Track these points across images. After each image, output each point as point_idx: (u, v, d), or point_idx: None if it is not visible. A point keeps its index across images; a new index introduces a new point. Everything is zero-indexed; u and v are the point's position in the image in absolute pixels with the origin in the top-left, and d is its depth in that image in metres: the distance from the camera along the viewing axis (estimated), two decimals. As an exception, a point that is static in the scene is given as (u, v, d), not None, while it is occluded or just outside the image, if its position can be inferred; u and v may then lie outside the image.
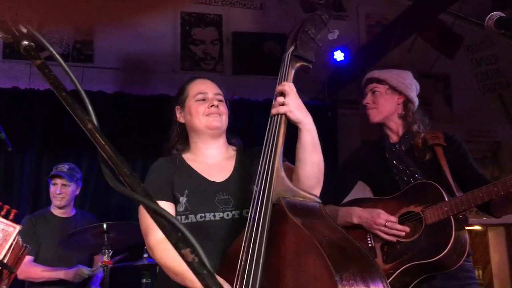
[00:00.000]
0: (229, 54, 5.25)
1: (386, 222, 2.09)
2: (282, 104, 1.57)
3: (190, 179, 1.76)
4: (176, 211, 1.72)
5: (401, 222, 2.13)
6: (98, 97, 4.58)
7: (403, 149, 2.28)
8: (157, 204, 0.66)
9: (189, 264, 0.61)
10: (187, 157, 1.85)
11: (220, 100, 1.84)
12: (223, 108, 1.83)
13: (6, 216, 1.50)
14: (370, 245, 2.15)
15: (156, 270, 3.49)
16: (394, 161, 2.27)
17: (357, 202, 2.32)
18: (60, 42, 4.83)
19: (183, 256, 0.62)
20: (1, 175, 4.30)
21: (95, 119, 0.73)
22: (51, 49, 0.79)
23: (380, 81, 2.32)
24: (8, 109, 4.33)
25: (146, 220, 1.66)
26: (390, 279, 2.01)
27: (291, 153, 1.69)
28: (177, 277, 1.57)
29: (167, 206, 1.71)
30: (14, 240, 1.48)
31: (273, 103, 1.62)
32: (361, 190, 2.55)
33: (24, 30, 0.90)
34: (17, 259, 1.54)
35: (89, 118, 0.72)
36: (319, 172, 1.63)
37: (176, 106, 1.89)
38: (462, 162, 2.21)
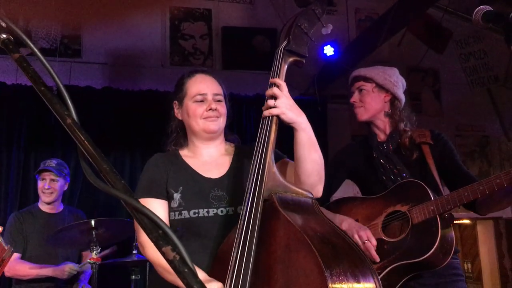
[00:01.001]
0: (219, 49, 5.23)
1: (365, 241, 2.07)
2: (274, 107, 1.56)
3: (185, 176, 1.75)
4: (170, 207, 1.70)
5: (387, 221, 2.12)
6: (86, 92, 4.54)
7: (391, 148, 2.27)
8: (137, 201, 0.64)
9: (170, 262, 0.60)
10: (184, 153, 1.83)
11: (219, 100, 1.79)
12: (222, 109, 1.78)
13: None
14: None
15: (145, 267, 3.48)
16: (382, 160, 2.27)
17: (343, 201, 2.32)
18: (48, 37, 4.77)
19: (163, 254, 0.60)
20: (-12, 172, 4.26)
21: (75, 114, 0.72)
22: (29, 42, 0.77)
23: (366, 79, 2.30)
24: (-5, 105, 4.28)
25: None
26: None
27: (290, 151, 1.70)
28: (168, 275, 1.56)
29: (158, 203, 1.69)
30: None
31: (265, 104, 1.61)
32: (351, 186, 2.55)
33: (3, 24, 0.88)
34: (1, 260, 1.52)
35: (68, 113, 0.70)
36: (319, 168, 1.63)
37: (174, 101, 1.85)
38: (448, 160, 2.21)
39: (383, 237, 2.10)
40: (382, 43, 4.57)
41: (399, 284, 2.04)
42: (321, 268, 1.23)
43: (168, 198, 1.71)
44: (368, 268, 1.34)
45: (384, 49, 5.01)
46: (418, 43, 5.10)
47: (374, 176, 2.27)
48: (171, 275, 1.55)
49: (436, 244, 1.95)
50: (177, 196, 1.70)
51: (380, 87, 2.29)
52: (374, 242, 2.07)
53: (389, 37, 4.59)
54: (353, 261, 1.34)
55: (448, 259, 2.00)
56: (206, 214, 1.68)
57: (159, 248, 0.61)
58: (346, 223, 2.16)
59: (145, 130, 4.34)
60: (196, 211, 1.68)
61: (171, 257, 0.60)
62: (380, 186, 2.22)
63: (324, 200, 2.30)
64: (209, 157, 1.81)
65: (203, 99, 1.77)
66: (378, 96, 2.29)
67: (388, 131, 2.30)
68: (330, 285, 1.22)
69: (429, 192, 2.05)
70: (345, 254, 1.35)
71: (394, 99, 2.30)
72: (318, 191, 1.65)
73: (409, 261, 1.98)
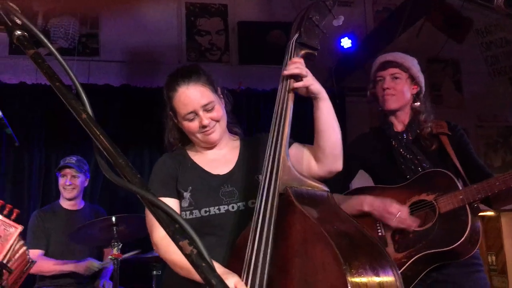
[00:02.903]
0: (235, 44, 5.21)
1: (398, 213, 2.05)
2: (305, 75, 1.56)
3: (194, 174, 1.74)
4: (181, 207, 1.70)
5: (412, 210, 2.10)
6: (104, 90, 4.58)
7: (410, 138, 2.25)
8: (154, 195, 0.64)
9: (187, 256, 0.59)
10: (191, 151, 1.82)
11: (211, 109, 1.69)
12: (217, 114, 1.71)
13: (8, 216, 1.49)
14: (380, 233, 2.13)
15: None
16: (401, 150, 2.23)
17: (362, 191, 2.28)
18: (66, 36, 4.82)
19: (181, 248, 0.60)
20: (11, 171, 4.33)
21: (90, 110, 0.71)
22: (43, 38, 0.77)
23: (403, 67, 2.26)
24: (15, 105, 4.34)
25: (152, 217, 1.65)
26: (403, 268, 2.00)
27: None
28: (182, 271, 1.56)
29: (171, 202, 1.69)
30: (14, 240, 1.48)
31: (280, 86, 1.60)
32: (362, 178, 2.52)
33: (19, 22, 0.88)
34: (21, 271, 1.53)
35: (83, 108, 0.70)
36: (340, 141, 1.65)
37: (170, 112, 1.79)
38: (465, 151, 2.20)
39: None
40: (401, 34, 4.50)
41: (423, 274, 2.02)
42: (339, 261, 1.22)
43: (179, 198, 1.71)
44: (387, 261, 1.32)
45: (402, 40, 4.92)
46: (437, 33, 5.00)
47: (393, 166, 2.24)
48: (183, 270, 1.55)
49: (467, 233, 1.93)
50: (187, 195, 1.69)
51: (412, 78, 2.27)
52: (406, 209, 2.06)
53: (407, 28, 4.52)
54: (372, 254, 1.32)
55: (475, 249, 1.99)
56: (217, 212, 1.67)
57: (176, 242, 0.61)
58: (366, 204, 2.14)
59: (163, 127, 4.36)
60: (207, 209, 1.67)
61: (188, 251, 0.59)
62: (399, 176, 2.20)
63: (338, 192, 2.28)
64: (216, 154, 1.80)
65: (194, 116, 1.69)
66: (409, 87, 2.27)
67: (406, 121, 2.28)
68: (349, 278, 1.20)
69: (456, 181, 2.03)
70: (363, 247, 1.34)
71: (419, 92, 2.28)
72: (340, 163, 1.67)
73: (437, 250, 1.97)
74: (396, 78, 2.26)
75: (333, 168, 1.65)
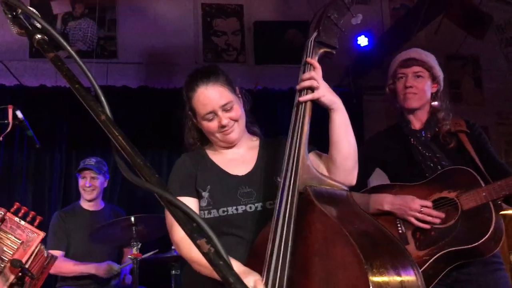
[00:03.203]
0: (251, 44, 5.22)
1: (421, 208, 2.03)
2: (316, 87, 1.55)
3: (213, 174, 1.75)
4: (200, 206, 1.72)
5: (434, 208, 2.08)
6: (123, 92, 4.63)
7: (428, 136, 2.23)
8: (172, 195, 0.64)
9: (205, 254, 0.60)
10: (210, 151, 1.83)
11: (229, 109, 1.71)
12: (236, 113, 1.72)
13: (31, 223, 1.52)
14: (400, 231, 2.11)
15: (185, 262, 3.52)
16: (420, 148, 2.21)
17: (380, 189, 2.26)
18: (84, 39, 4.89)
19: (198, 247, 0.60)
20: (32, 172, 4.41)
21: (109, 111, 0.72)
22: (63, 41, 0.78)
23: (426, 66, 2.24)
24: (36, 107, 4.41)
25: (171, 217, 1.66)
26: (425, 266, 1.97)
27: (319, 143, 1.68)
28: (205, 269, 1.57)
29: (190, 201, 1.71)
30: (36, 247, 1.51)
31: (298, 90, 1.59)
32: (378, 176, 2.50)
33: (39, 25, 0.90)
34: (41, 269, 1.56)
35: (102, 110, 0.71)
36: (355, 153, 1.63)
37: (188, 112, 1.81)
38: (483, 149, 2.18)
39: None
40: (418, 31, 4.45)
41: (443, 274, 1.99)
42: (360, 260, 1.21)
43: (198, 197, 1.72)
44: (408, 259, 1.31)
45: (420, 38, 4.87)
46: (456, 30, 4.93)
47: (411, 164, 2.22)
48: (204, 268, 1.56)
49: (491, 230, 1.91)
50: (205, 194, 1.71)
51: (433, 77, 2.25)
52: (429, 203, 2.04)
53: (425, 25, 4.47)
54: (393, 252, 1.31)
55: (498, 247, 1.96)
56: (235, 212, 1.68)
57: (193, 241, 0.61)
58: (387, 203, 2.11)
59: (181, 127, 4.39)
60: (225, 209, 1.68)
61: (206, 249, 0.60)
62: (417, 174, 2.18)
63: (355, 190, 2.27)
64: (235, 154, 1.80)
65: (213, 116, 1.71)
66: (430, 86, 2.25)
67: (424, 119, 2.26)
68: (370, 277, 1.19)
69: (478, 178, 2.00)
70: (384, 245, 1.33)
71: (438, 90, 2.27)
72: (354, 176, 1.65)
73: (461, 248, 1.94)
74: (419, 76, 2.22)
75: (345, 181, 1.60)
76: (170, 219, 1.68)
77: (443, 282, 2.02)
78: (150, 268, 3.61)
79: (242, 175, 1.75)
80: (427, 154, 2.20)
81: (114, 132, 0.69)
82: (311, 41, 1.66)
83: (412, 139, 2.24)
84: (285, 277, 1.34)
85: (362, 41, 4.72)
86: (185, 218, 0.62)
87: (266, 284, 1.36)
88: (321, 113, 1.67)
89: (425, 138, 2.23)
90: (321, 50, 1.65)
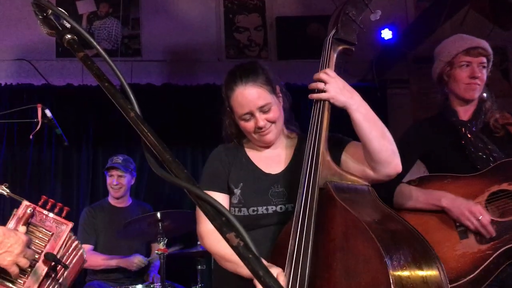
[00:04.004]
0: (274, 40, 5.21)
1: (480, 216, 1.94)
2: (323, 91, 1.55)
3: (246, 171, 1.75)
4: (231, 202, 1.73)
5: (492, 200, 2.01)
6: (147, 89, 4.69)
7: (478, 127, 2.15)
8: (200, 189, 0.66)
9: (234, 248, 0.61)
10: (247, 146, 1.82)
11: (267, 110, 1.68)
12: (274, 115, 1.70)
13: (59, 214, 1.57)
14: (458, 225, 2.01)
15: (210, 257, 3.55)
16: (472, 139, 2.12)
17: (429, 179, 2.16)
18: (109, 38, 4.96)
19: (228, 241, 0.61)
20: (60, 170, 4.50)
21: (138, 108, 0.74)
22: (91, 39, 0.80)
23: (489, 57, 2.17)
24: (63, 106, 4.51)
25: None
26: (488, 260, 1.91)
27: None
28: (229, 264, 1.59)
29: (220, 197, 1.71)
30: (66, 237, 1.55)
31: (312, 88, 1.60)
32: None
33: (68, 25, 0.92)
34: (76, 270, 1.61)
35: (131, 107, 0.73)
36: (388, 143, 1.57)
37: (227, 108, 1.78)
38: None
39: (492, 217, 1.96)
40: (443, 23, 4.37)
41: (502, 268, 1.93)
42: (380, 254, 1.22)
43: (229, 193, 1.73)
44: (431, 254, 1.30)
45: (446, 30, 4.78)
46: (483, 21, 4.83)
47: (460, 155, 2.13)
48: (229, 263, 1.58)
49: None
50: (237, 192, 1.71)
51: (488, 69, 2.19)
52: (488, 217, 1.94)
53: (450, 16, 4.39)
54: (414, 247, 1.31)
55: None
56: (265, 212, 1.68)
57: (223, 234, 0.62)
58: (446, 199, 2.02)
59: (204, 124, 4.43)
60: (255, 208, 1.68)
61: (235, 243, 0.61)
62: (467, 165, 2.09)
63: (395, 183, 2.18)
64: (271, 152, 1.80)
65: (250, 117, 1.70)
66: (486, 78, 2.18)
67: (471, 110, 2.19)
68: (390, 271, 1.19)
69: None
70: (405, 240, 1.33)
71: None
72: (397, 165, 1.59)
73: None
74: (484, 67, 2.15)
75: (388, 172, 1.58)
76: (199, 212, 1.70)
77: (496, 278, 1.95)
78: (177, 263, 3.66)
79: (276, 174, 1.75)
80: (479, 145, 2.12)
81: (143, 129, 0.70)
82: (330, 38, 1.66)
83: (463, 129, 2.15)
84: (307, 271, 1.35)
85: (386, 34, 4.66)
86: (214, 213, 0.64)
87: (288, 278, 1.38)
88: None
89: (475, 128, 2.15)
90: (340, 47, 1.65)
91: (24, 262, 1.40)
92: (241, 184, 1.72)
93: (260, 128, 1.68)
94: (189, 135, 4.63)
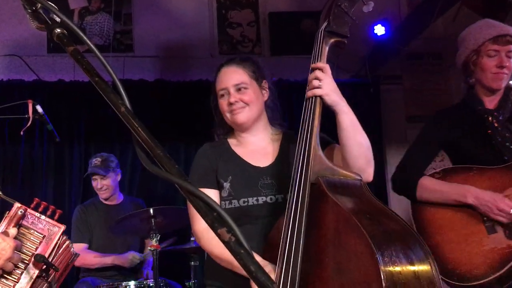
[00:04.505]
0: (267, 35, 5.20)
1: (511, 210, 1.90)
2: (318, 87, 1.55)
3: (234, 165, 1.77)
4: (220, 196, 1.74)
5: None
6: (139, 85, 4.66)
7: (505, 116, 2.10)
8: (192, 185, 0.65)
9: (226, 243, 0.60)
10: (232, 141, 1.86)
11: (242, 88, 1.76)
12: (247, 97, 1.76)
13: (51, 217, 1.56)
14: (485, 219, 1.98)
15: (203, 254, 3.55)
16: (499, 128, 2.06)
17: (454, 171, 2.10)
18: (101, 33, 4.93)
19: (219, 236, 0.61)
20: (52, 167, 4.47)
21: (128, 103, 0.73)
22: (82, 34, 0.79)
23: None
24: (55, 102, 4.47)
25: (192, 207, 1.69)
26: None
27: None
28: (223, 262, 1.61)
29: (211, 193, 1.73)
30: (58, 239, 1.54)
31: (308, 85, 1.60)
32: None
33: (58, 19, 0.91)
34: (66, 265, 1.60)
35: (122, 102, 0.72)
36: (366, 151, 1.61)
37: (214, 101, 1.87)
38: None
39: None
40: (436, 19, 4.38)
41: None
42: (372, 250, 1.22)
43: (219, 187, 1.75)
44: (423, 249, 1.30)
45: (438, 25, 4.80)
46: (476, 17, 4.85)
47: (486, 145, 2.08)
48: (225, 262, 1.59)
49: None
50: (226, 185, 1.73)
51: None
52: None
53: (443, 12, 4.40)
54: (407, 242, 1.31)
55: None
56: (255, 202, 1.70)
57: (214, 230, 0.62)
58: (472, 196, 1.97)
59: (197, 120, 4.41)
60: (246, 199, 1.70)
61: (227, 238, 0.60)
62: (494, 156, 2.04)
63: (417, 176, 2.14)
64: (257, 146, 1.82)
65: (224, 93, 1.78)
66: None
67: (497, 100, 2.14)
68: (382, 267, 1.19)
69: None
70: (397, 235, 1.33)
71: None
72: (369, 175, 1.62)
73: None
74: (510, 57, 2.09)
75: (363, 176, 1.58)
76: (192, 210, 1.70)
77: None
78: (170, 259, 3.65)
79: (264, 167, 1.77)
80: (506, 135, 2.06)
81: (134, 124, 0.69)
82: (321, 31, 1.65)
83: (490, 118, 2.09)
84: (299, 267, 1.35)
85: (379, 30, 4.66)
86: (206, 208, 0.63)
87: (280, 274, 1.38)
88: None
89: (502, 118, 2.09)
90: (332, 40, 1.64)
91: (10, 267, 1.40)
92: (230, 177, 1.73)
93: (231, 104, 1.73)
94: (182, 131, 4.61)
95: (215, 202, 0.65)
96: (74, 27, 0.80)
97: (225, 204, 1.72)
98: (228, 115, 1.78)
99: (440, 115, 2.30)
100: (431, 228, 2.06)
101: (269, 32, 5.20)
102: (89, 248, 3.52)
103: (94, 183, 3.62)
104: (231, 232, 0.61)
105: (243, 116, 1.76)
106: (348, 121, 1.58)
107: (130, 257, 3.38)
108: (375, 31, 4.67)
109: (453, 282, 1.93)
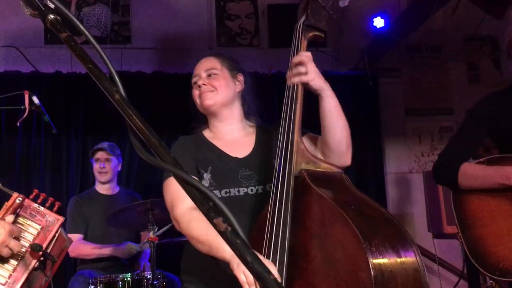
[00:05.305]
0: (265, 28, 5.17)
1: None
2: (304, 74, 1.56)
3: (213, 155, 1.77)
4: None
5: None
6: (137, 77, 4.63)
7: None
8: (187, 173, 0.64)
9: (222, 233, 0.59)
10: (208, 134, 1.86)
11: (212, 74, 1.81)
12: (216, 82, 1.79)
13: (50, 208, 1.55)
14: None
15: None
16: None
17: (501, 161, 2.02)
18: (98, 24, 4.89)
19: (215, 226, 0.60)
20: (49, 158, 4.45)
21: (123, 90, 0.72)
22: (75, 19, 0.78)
23: None
24: (52, 93, 4.44)
25: (171, 194, 1.68)
26: None
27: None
28: (203, 246, 1.56)
29: None
30: (57, 231, 1.53)
31: (288, 73, 1.61)
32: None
33: (51, 5, 0.89)
34: (60, 251, 1.59)
35: (116, 89, 0.71)
36: (347, 136, 1.64)
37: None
38: None
39: None
40: (436, 12, 4.36)
41: None
42: (359, 239, 1.22)
43: (199, 178, 1.73)
44: (408, 240, 1.32)
45: (438, 18, 4.78)
46: (475, 9, 4.83)
47: None
48: (202, 245, 1.55)
49: None
50: (207, 176, 1.73)
51: None
52: None
53: (443, 5, 4.37)
54: (390, 232, 1.32)
55: None
56: (237, 193, 1.70)
57: (210, 220, 0.61)
58: None
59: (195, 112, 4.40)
60: (228, 190, 1.70)
61: (223, 228, 0.59)
62: None
63: (458, 163, 2.08)
64: (232, 137, 1.83)
65: (197, 80, 1.82)
66: None
67: None
68: (369, 256, 1.20)
69: None
70: (381, 225, 1.33)
71: None
72: (348, 158, 1.65)
73: None
74: None
75: (339, 163, 1.62)
76: (170, 196, 1.69)
77: None
78: (167, 252, 3.64)
79: (242, 158, 1.77)
80: None
81: (128, 112, 0.68)
82: (300, 25, 1.66)
83: None
84: (285, 261, 1.34)
85: (378, 22, 4.63)
86: (201, 197, 0.62)
87: None
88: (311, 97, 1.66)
89: None
90: (310, 34, 1.66)
91: (6, 252, 1.37)
92: (210, 167, 1.73)
93: (200, 87, 1.78)
94: (180, 123, 4.57)
95: (211, 191, 0.64)
96: (67, 12, 0.78)
97: None
98: (198, 100, 1.82)
99: (486, 100, 2.19)
100: (473, 220, 1.99)
101: (268, 24, 5.17)
102: (85, 238, 3.51)
103: (96, 165, 3.63)
104: (227, 221, 0.60)
105: (210, 99, 1.78)
106: (333, 105, 1.60)
107: (128, 248, 3.37)
108: (374, 24, 4.64)
109: (495, 277, 1.90)
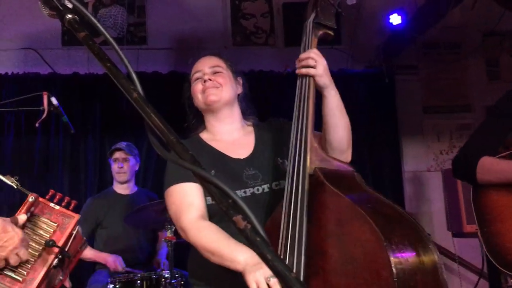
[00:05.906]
0: (281, 26, 5.16)
1: None
2: (313, 67, 1.55)
3: (214, 159, 1.73)
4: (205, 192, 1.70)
5: None
6: (153, 78, 4.66)
7: None
8: (206, 171, 0.63)
9: (241, 231, 0.59)
10: (205, 137, 1.83)
11: (217, 72, 1.78)
12: (222, 79, 1.77)
13: (66, 207, 1.56)
14: None
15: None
16: None
17: None
18: (115, 25, 4.93)
19: (234, 223, 0.59)
20: (68, 158, 4.50)
21: (140, 89, 0.72)
22: (92, 17, 0.78)
23: None
24: (70, 94, 4.49)
25: (176, 203, 1.66)
26: None
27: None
28: (213, 257, 1.52)
29: (197, 187, 1.67)
30: (73, 229, 1.54)
31: (299, 63, 1.59)
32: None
33: (70, 5, 0.89)
34: (76, 251, 1.60)
35: (134, 88, 0.71)
36: (349, 134, 1.64)
37: (189, 94, 1.88)
38: None
39: None
40: (454, 7, 4.29)
41: None
42: (379, 237, 1.20)
43: None
44: (425, 237, 1.30)
45: (455, 14, 4.70)
46: (494, 5, 4.75)
47: None
48: (215, 257, 1.51)
49: None
50: None
51: None
52: None
53: (460, 1, 4.31)
54: (407, 229, 1.30)
55: None
56: (243, 195, 1.67)
57: (229, 217, 0.60)
58: None
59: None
60: (234, 192, 1.65)
61: (243, 226, 0.58)
62: None
63: (476, 157, 2.03)
64: (231, 138, 1.80)
65: (200, 75, 1.78)
66: None
67: None
68: (390, 254, 1.18)
69: None
70: (397, 223, 1.31)
71: None
72: (348, 156, 1.66)
73: None
74: None
75: (342, 157, 1.62)
76: (175, 206, 1.67)
77: None
78: (185, 251, 3.65)
79: (244, 158, 1.74)
80: None
81: (146, 110, 0.68)
82: (310, 22, 1.65)
83: None
84: (303, 261, 1.33)
85: (395, 19, 4.58)
86: (220, 195, 0.61)
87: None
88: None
89: None
90: (320, 32, 1.66)
91: (15, 260, 1.36)
92: (213, 171, 1.68)
93: (205, 82, 1.75)
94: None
95: (229, 188, 0.63)
96: (85, 11, 0.79)
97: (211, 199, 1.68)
98: (200, 96, 1.78)
99: (509, 96, 2.14)
100: (492, 215, 1.96)
101: (283, 23, 5.15)
102: (100, 237, 3.54)
103: (114, 165, 3.66)
104: (246, 219, 0.59)
105: (215, 95, 1.75)
106: (336, 103, 1.60)
107: (117, 263, 3.34)
108: (391, 21, 4.60)
109: None
